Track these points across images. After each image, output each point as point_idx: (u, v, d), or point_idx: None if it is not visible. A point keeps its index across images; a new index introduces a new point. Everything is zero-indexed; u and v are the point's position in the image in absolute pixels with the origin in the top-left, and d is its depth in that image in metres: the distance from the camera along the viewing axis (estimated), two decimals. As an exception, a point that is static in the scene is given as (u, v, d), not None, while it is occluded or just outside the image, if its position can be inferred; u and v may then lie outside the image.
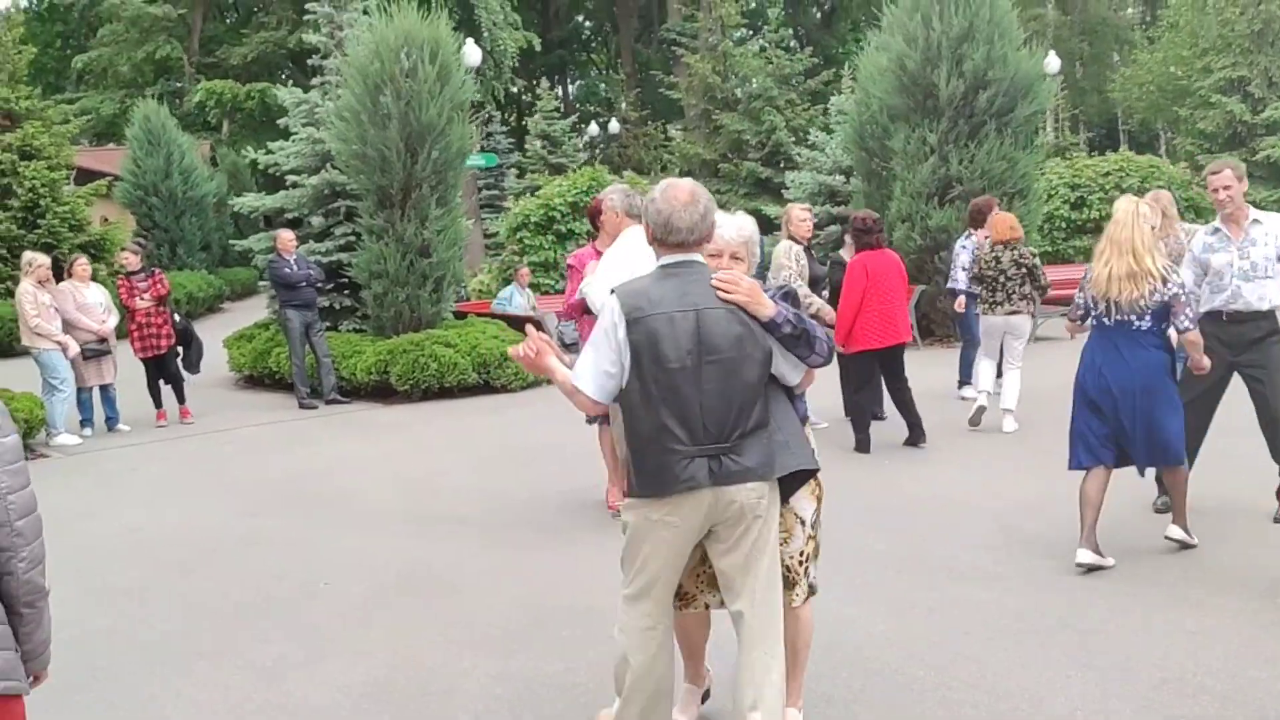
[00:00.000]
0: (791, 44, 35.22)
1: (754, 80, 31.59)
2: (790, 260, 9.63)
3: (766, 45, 33.06)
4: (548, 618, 5.55)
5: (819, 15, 54.13)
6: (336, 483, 8.95)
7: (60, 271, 12.23)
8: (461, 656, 5.11)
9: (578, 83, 58.80)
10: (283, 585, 6.25)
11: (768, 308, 3.64)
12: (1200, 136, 27.08)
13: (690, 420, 3.56)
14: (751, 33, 37.13)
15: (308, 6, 15.99)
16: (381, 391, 13.14)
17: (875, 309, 9.13)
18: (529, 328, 3.97)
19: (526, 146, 31.95)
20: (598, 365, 3.67)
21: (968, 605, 5.43)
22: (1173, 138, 27.99)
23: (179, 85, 41.14)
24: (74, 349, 11.13)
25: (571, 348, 14.39)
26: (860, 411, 9.45)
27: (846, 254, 10.36)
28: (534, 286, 16.48)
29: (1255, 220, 6.40)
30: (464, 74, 13.92)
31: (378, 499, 8.32)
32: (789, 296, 3.82)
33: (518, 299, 15.82)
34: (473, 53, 20.91)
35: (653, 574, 3.74)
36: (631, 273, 6.54)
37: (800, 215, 9.86)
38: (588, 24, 56.63)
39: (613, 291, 3.78)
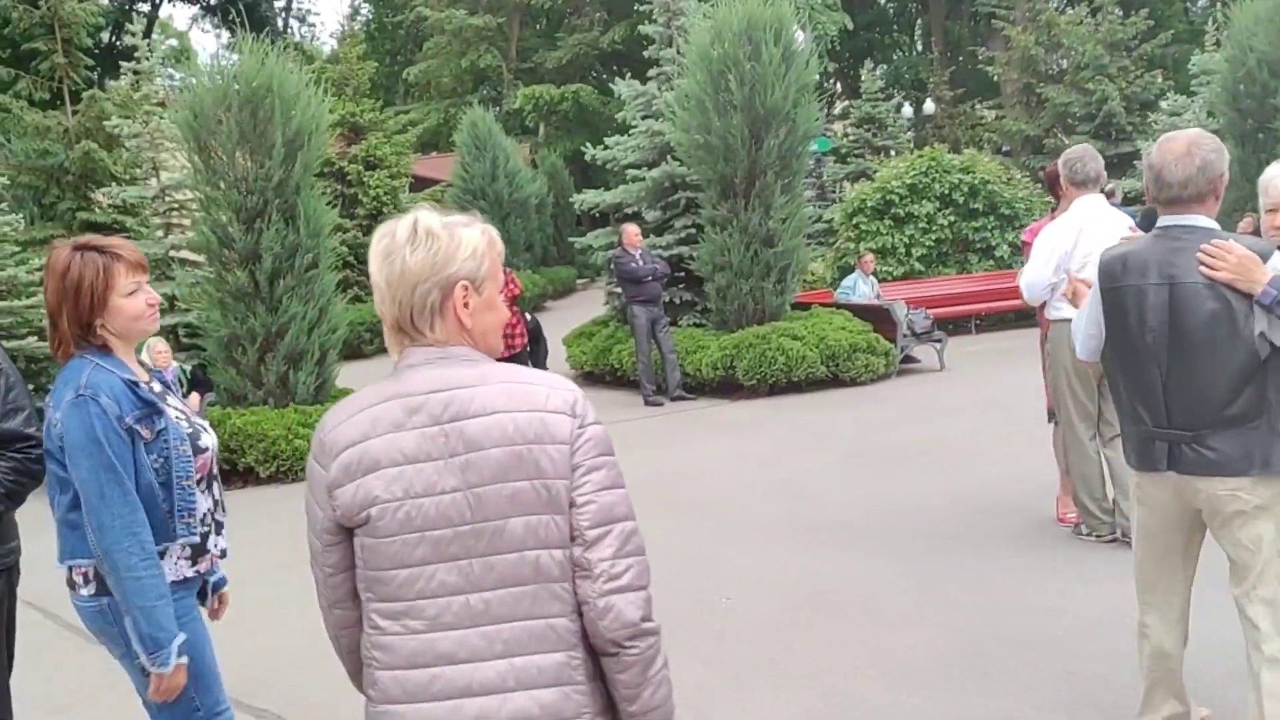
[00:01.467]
0: (1115, 12, 33.03)
1: (1083, 48, 29.64)
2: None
3: (1098, 9, 30.94)
4: (987, 648, 4.88)
5: (1146, -24, 50.68)
6: (705, 486, 8.55)
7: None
8: (897, 691, 4.52)
9: (881, 66, 57.32)
10: (681, 600, 5.82)
11: (1259, 284, 3.11)
12: None
13: (1153, 402, 3.33)
14: (1069, 4, 34.95)
15: (640, -4, 15.78)
16: (726, 387, 12.75)
17: None
18: None
19: (839, 130, 31.18)
20: (1088, 321, 3.57)
21: None
22: None
23: (498, 92, 42.54)
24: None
25: (923, 336, 13.60)
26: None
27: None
28: (874, 274, 15.72)
29: None
30: (809, 54, 13.30)
31: (753, 504, 7.84)
32: None
33: (862, 287, 15.12)
34: (797, 38, 20.29)
35: (1139, 555, 3.63)
36: (1062, 257, 5.86)
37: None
38: (891, 5, 55.06)
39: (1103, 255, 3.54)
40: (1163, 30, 31.93)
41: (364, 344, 19.02)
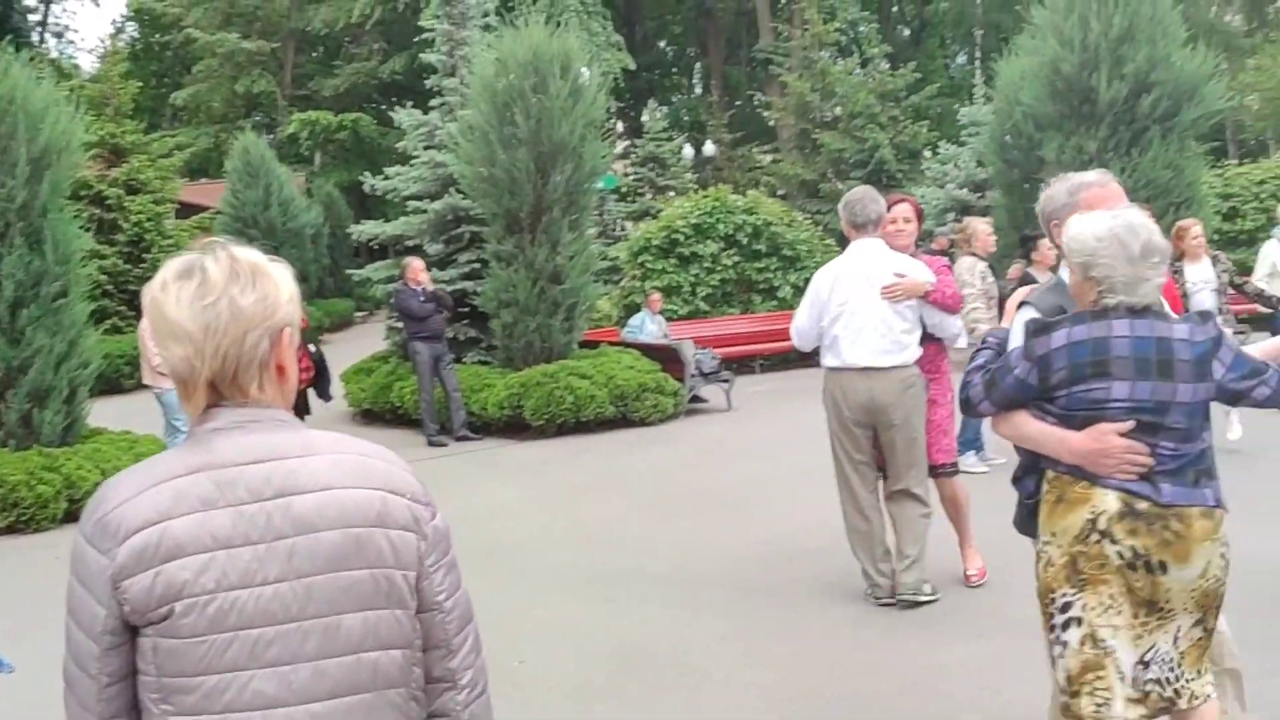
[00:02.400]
0: (882, 65, 34.41)
1: (856, 97, 30.74)
2: (974, 278, 8.91)
3: (867, 61, 32.20)
4: (813, 711, 4.62)
5: (908, 33, 53.11)
6: (494, 532, 8.10)
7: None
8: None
9: (662, 107, 58.22)
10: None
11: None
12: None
13: None
14: (840, 55, 36.24)
15: (423, 24, 15.32)
16: (513, 427, 12.33)
17: None
18: None
19: (622, 169, 31.32)
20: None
21: None
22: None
23: (272, 118, 41.11)
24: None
25: (711, 376, 13.52)
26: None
27: (1039, 274, 9.41)
28: (662, 313, 15.62)
29: None
30: (598, 89, 13.11)
31: (548, 552, 7.45)
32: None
33: (649, 326, 14.97)
34: (582, 74, 20.19)
35: None
36: (822, 305, 5.77)
37: (986, 229, 9.02)
38: (670, 49, 56.08)
39: None
40: (928, 84, 33.46)
41: (123, 378, 17.66)
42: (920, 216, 6.12)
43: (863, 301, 5.65)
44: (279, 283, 1.72)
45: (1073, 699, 3.04)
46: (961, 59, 51.81)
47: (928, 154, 28.42)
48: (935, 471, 6.01)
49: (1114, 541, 2.96)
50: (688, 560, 6.97)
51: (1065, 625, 3.05)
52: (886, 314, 5.64)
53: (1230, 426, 8.89)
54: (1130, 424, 2.96)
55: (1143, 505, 2.96)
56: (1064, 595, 3.05)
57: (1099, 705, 2.99)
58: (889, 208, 5.94)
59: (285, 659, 1.62)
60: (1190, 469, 2.99)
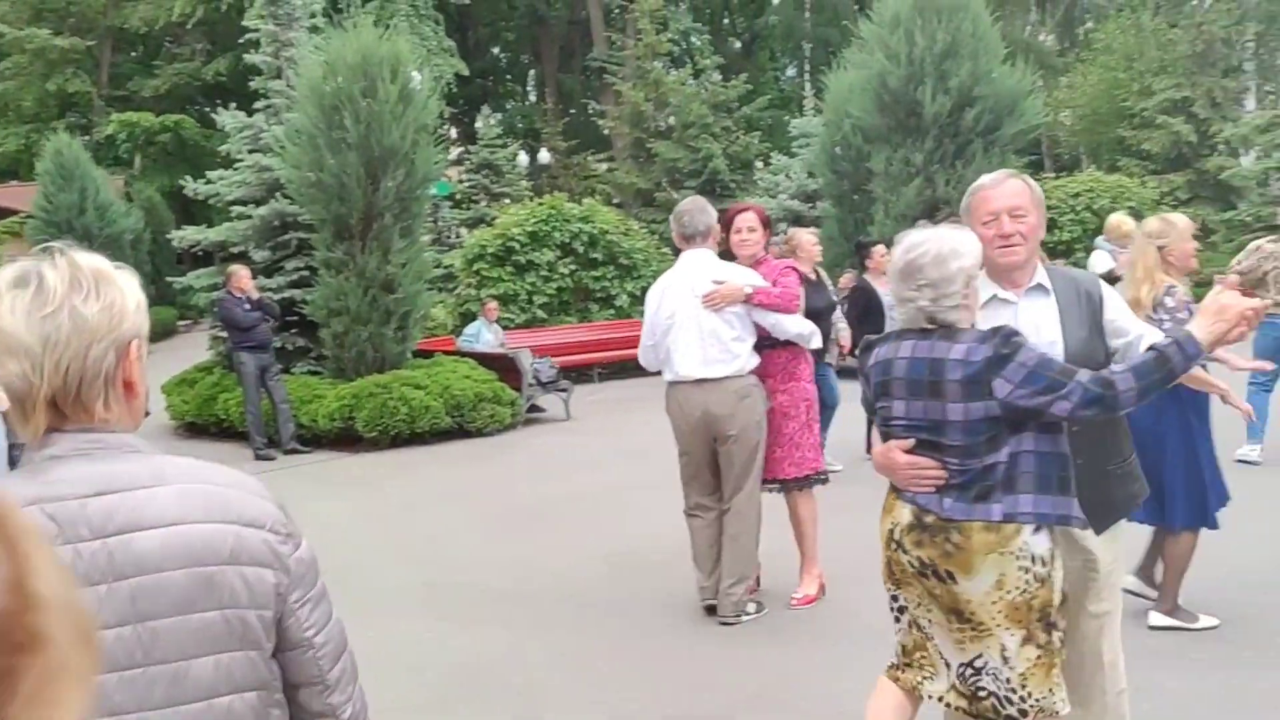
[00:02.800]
0: (715, 76, 34.87)
1: (689, 108, 31.01)
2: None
3: (700, 72, 32.55)
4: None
5: (739, 45, 53.93)
6: (326, 549, 7.75)
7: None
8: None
9: (496, 114, 57.77)
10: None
11: None
12: (1144, 158, 26.93)
13: None
14: (673, 65, 36.56)
15: (247, 24, 14.79)
16: (346, 439, 11.96)
17: None
18: None
19: (456, 176, 31.00)
20: None
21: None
22: (1116, 159, 27.83)
23: (88, 119, 39.31)
24: (4, 402, 9.85)
25: (549, 385, 13.38)
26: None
27: (875, 281, 9.60)
28: (498, 322, 15.42)
29: None
30: (430, 94, 12.86)
31: (383, 570, 7.20)
32: None
33: (486, 335, 14.75)
34: (413, 78, 19.84)
35: None
36: (652, 320, 5.68)
37: (810, 240, 9.10)
38: (503, 56, 55.76)
39: None
40: (760, 95, 34.00)
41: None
42: (767, 224, 6.01)
43: (688, 313, 5.57)
44: (125, 290, 1.56)
45: (904, 671, 3.31)
46: (791, 71, 52.91)
47: (760, 165, 28.85)
48: (787, 486, 5.88)
49: (905, 551, 3.13)
50: (527, 576, 6.82)
51: (898, 611, 3.32)
52: (714, 323, 5.56)
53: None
54: (910, 441, 3.10)
55: (929, 518, 3.08)
56: (890, 589, 3.30)
57: (924, 679, 3.25)
58: (734, 217, 5.90)
59: (130, 707, 1.49)
60: (976, 484, 3.02)
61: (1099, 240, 9.96)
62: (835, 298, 9.76)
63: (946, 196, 14.49)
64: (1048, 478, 3.03)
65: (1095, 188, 19.01)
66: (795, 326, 5.72)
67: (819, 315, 8.85)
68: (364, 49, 12.27)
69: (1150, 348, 2.99)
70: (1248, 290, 8.37)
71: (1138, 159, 27.17)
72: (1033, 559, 3.02)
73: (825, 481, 5.97)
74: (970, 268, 3.06)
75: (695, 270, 5.67)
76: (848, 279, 12.05)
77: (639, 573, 6.70)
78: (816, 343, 5.90)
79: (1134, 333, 3.34)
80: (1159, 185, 23.19)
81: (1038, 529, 3.02)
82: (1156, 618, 5.22)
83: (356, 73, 12.16)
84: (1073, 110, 34.47)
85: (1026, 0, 43.60)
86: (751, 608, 5.74)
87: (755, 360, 5.67)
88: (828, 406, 9.35)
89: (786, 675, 4.97)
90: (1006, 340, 2.98)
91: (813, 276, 8.95)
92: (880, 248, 9.88)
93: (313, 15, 14.93)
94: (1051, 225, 18.19)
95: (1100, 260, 9.44)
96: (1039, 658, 3.05)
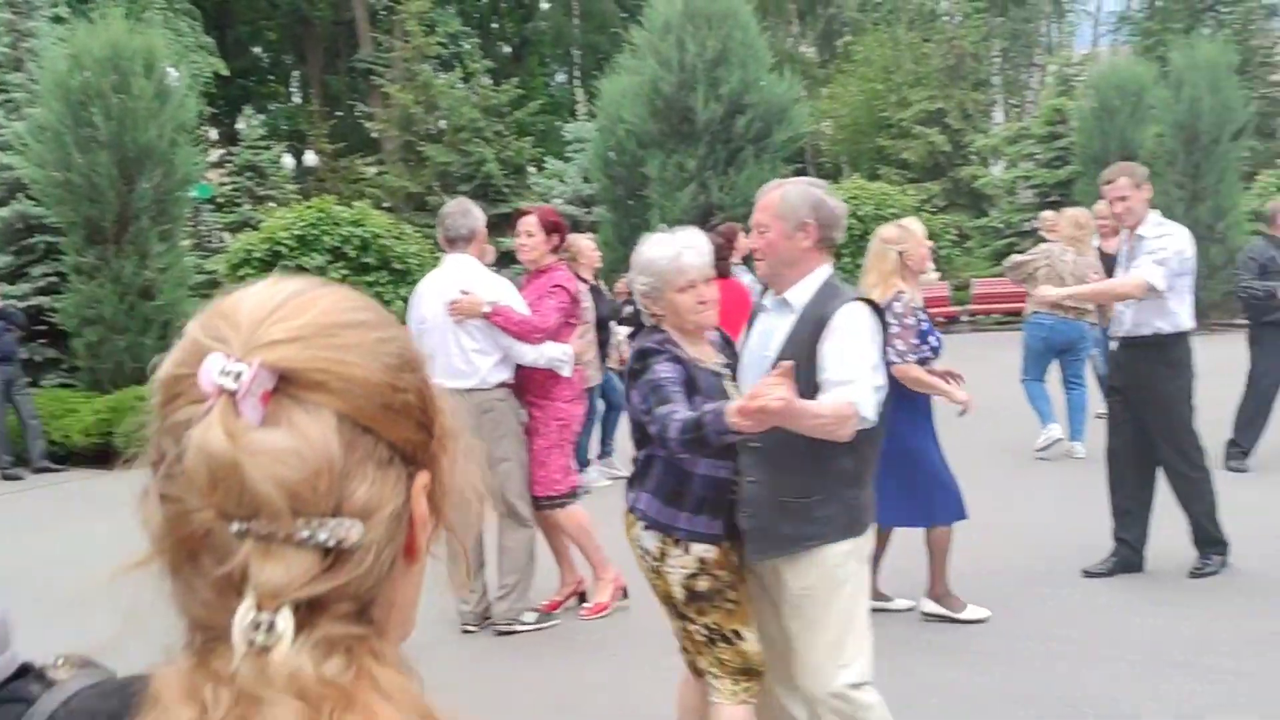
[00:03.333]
0: (485, 80, 34.71)
1: (460, 111, 30.69)
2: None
3: (470, 76, 32.28)
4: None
5: (509, 50, 53.80)
6: (83, 577, 7.27)
7: None
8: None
9: (259, 115, 55.87)
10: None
11: None
12: (903, 166, 28.18)
13: None
14: (442, 68, 36.21)
15: (-20, 12, 13.81)
16: (103, 456, 11.24)
17: None
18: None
19: (217, 179, 29.86)
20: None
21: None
22: (876, 168, 29.08)
23: None
24: None
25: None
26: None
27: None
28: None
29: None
30: (187, 91, 12.27)
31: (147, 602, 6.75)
32: None
33: (253, 343, 14.15)
34: (170, 74, 18.95)
35: None
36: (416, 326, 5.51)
37: (589, 246, 9.08)
38: (266, 56, 54.00)
39: None
40: (531, 100, 33.95)
41: None
42: (554, 229, 5.74)
43: (438, 320, 5.43)
44: None
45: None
46: (561, 77, 53.10)
47: (533, 170, 28.83)
48: (538, 504, 5.63)
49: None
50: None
51: None
52: (458, 333, 5.41)
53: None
54: None
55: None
56: None
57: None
58: (517, 220, 5.80)
59: None
60: (637, 477, 3.42)
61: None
62: (615, 303, 9.73)
63: (720, 202, 14.79)
64: (665, 485, 3.29)
65: (860, 195, 19.70)
66: (532, 354, 5.48)
67: (601, 323, 8.84)
68: (114, 42, 11.62)
69: (700, 411, 3.00)
70: (1018, 281, 8.86)
71: (897, 168, 28.42)
72: (644, 552, 3.34)
73: (573, 500, 5.73)
74: (666, 272, 3.26)
75: (451, 276, 5.54)
76: (624, 284, 12.07)
77: (422, 589, 6.50)
78: (566, 371, 5.63)
79: (830, 374, 3.12)
80: (918, 193, 24.27)
81: (647, 527, 3.31)
82: (927, 604, 5.37)
83: (106, 67, 11.51)
84: (834, 120, 35.78)
85: (789, 11, 44.98)
86: (530, 616, 5.58)
87: (502, 374, 5.49)
88: (615, 408, 9.40)
89: (581, 686, 4.90)
90: (639, 357, 3.26)
91: (593, 282, 8.90)
92: None
93: (55, 4, 14.07)
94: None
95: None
96: (687, 638, 3.33)
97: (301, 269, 16.36)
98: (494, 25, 52.73)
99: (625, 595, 5.80)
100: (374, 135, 39.05)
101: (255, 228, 18.46)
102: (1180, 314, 5.64)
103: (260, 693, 0.68)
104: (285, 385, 0.72)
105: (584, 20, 46.75)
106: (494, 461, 5.36)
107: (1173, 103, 17.95)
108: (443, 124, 32.13)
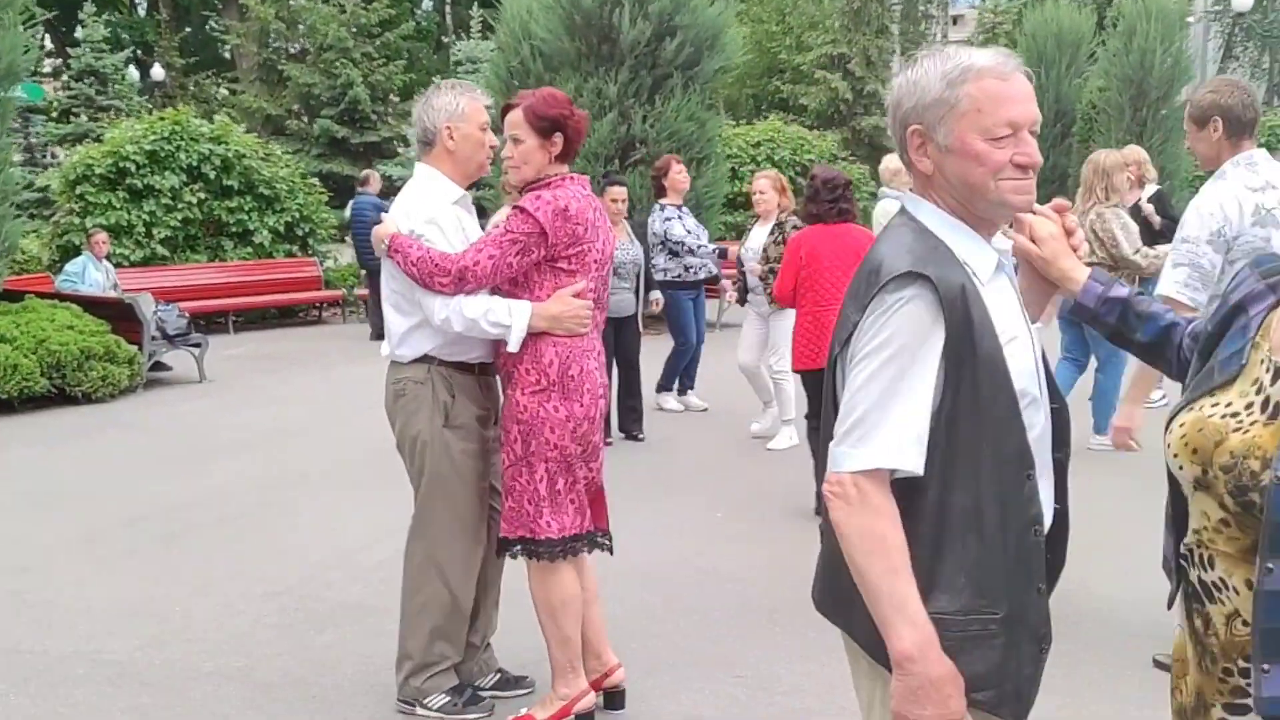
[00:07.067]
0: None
1: (326, 29, 28.48)
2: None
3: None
4: None
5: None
6: None
7: None
8: None
9: (101, 16, 51.61)
10: None
11: None
12: (803, 113, 26.92)
13: None
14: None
15: None
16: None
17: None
18: None
19: (53, 90, 27.17)
20: None
21: None
22: (768, 115, 27.73)
23: None
24: None
25: (177, 339, 11.00)
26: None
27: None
28: (109, 258, 12.71)
29: None
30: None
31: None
32: None
33: (94, 274, 12.02)
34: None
35: None
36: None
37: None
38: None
39: None
40: (404, 21, 32.20)
41: None
42: (551, 126, 3.55)
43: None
44: None
45: None
46: (428, 4, 50.54)
47: (396, 99, 27.33)
48: (504, 547, 3.80)
49: None
50: (157, 639, 4.69)
51: None
52: (386, 280, 3.78)
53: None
54: None
55: None
56: None
57: None
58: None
59: None
60: None
61: (883, 190, 8.92)
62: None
63: (643, 135, 13.17)
64: None
65: (776, 137, 18.31)
66: (442, 310, 3.56)
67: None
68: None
69: None
70: None
71: (794, 114, 27.16)
72: None
73: (566, 552, 3.66)
74: None
75: (402, 195, 3.86)
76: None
77: (325, 627, 4.79)
78: (511, 343, 3.55)
79: None
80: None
81: None
82: None
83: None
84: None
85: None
86: (439, 700, 3.86)
87: (422, 342, 3.71)
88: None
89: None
90: None
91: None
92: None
93: None
94: (733, 175, 17.39)
95: (888, 209, 8.38)
96: None
97: (152, 189, 14.24)
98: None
99: None
100: (228, 52, 36.35)
101: (97, 140, 16.09)
102: None
103: None
104: None
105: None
106: (418, 466, 3.76)
107: (1123, 54, 16.84)
108: (306, 43, 30.26)
